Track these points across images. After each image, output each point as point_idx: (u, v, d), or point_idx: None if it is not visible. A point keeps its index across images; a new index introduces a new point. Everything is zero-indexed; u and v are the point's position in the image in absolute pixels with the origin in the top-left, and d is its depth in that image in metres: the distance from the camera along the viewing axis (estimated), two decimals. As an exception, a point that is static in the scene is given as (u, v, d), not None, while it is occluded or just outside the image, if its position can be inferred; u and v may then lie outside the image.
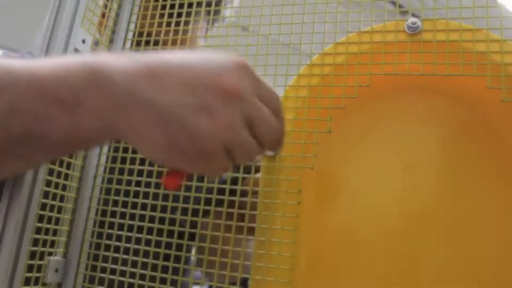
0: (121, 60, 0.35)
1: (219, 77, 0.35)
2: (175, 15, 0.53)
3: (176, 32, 0.52)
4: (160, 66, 0.35)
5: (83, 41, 0.50)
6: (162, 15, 0.52)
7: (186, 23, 0.51)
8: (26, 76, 0.34)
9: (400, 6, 0.48)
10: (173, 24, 0.52)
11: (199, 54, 0.37)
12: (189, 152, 0.34)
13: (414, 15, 0.46)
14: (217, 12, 0.56)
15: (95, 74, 0.34)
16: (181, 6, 0.53)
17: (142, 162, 0.51)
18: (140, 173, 0.52)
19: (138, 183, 0.52)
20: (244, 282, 0.45)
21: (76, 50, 0.49)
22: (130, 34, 0.57)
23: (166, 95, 0.34)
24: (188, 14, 0.52)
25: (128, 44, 0.56)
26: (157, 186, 0.51)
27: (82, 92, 0.34)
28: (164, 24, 0.52)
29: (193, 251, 0.63)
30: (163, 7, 0.53)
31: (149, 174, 0.51)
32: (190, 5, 0.52)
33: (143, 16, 0.54)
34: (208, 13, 0.53)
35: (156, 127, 0.34)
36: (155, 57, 0.36)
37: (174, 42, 0.52)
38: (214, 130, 0.34)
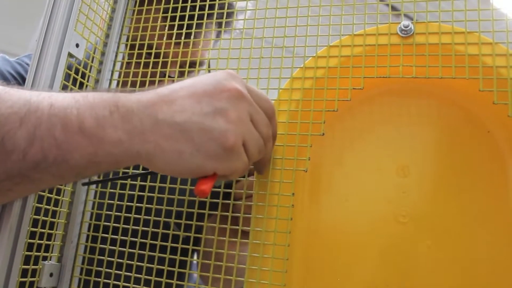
0: (133, 94, 0.39)
1: (218, 84, 0.38)
2: (179, 26, 0.53)
3: (181, 43, 0.52)
4: (167, 92, 0.38)
5: (77, 45, 0.50)
6: (166, 26, 0.53)
7: (195, 33, 0.52)
8: (45, 105, 0.36)
9: (393, 9, 0.48)
10: (175, 35, 0.52)
11: (195, 77, 0.40)
12: (216, 152, 0.37)
13: (406, 16, 0.47)
14: (228, 24, 0.56)
15: (117, 105, 0.37)
16: (191, 17, 0.52)
17: None
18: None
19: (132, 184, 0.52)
20: None
21: (70, 54, 0.49)
22: (124, 38, 0.57)
23: (180, 114, 0.37)
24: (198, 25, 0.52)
25: (122, 48, 0.56)
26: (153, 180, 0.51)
27: (107, 121, 0.36)
28: (171, 36, 0.53)
29: (194, 256, 0.63)
30: (169, 18, 0.53)
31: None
32: (201, 16, 0.52)
33: (149, 28, 0.54)
34: (219, 24, 0.54)
35: (180, 140, 0.37)
36: (160, 88, 0.39)
37: (182, 53, 0.53)
38: (231, 125, 0.37)
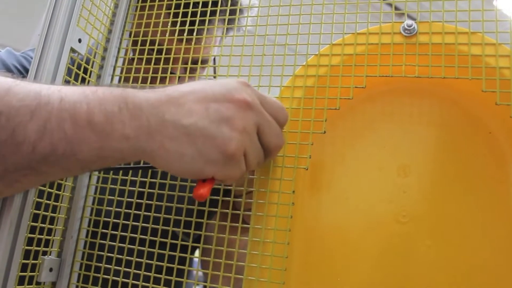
0: (142, 91, 0.39)
1: (228, 93, 0.39)
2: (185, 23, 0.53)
3: (186, 40, 0.52)
4: (177, 94, 0.39)
5: (79, 41, 0.50)
6: (173, 23, 0.53)
7: (199, 31, 0.53)
8: (56, 99, 0.36)
9: (396, 9, 0.48)
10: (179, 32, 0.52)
11: (206, 81, 0.41)
12: (216, 158, 0.38)
13: (410, 17, 0.46)
14: (231, 21, 0.56)
15: (126, 102, 0.38)
16: (194, 14, 0.52)
17: None
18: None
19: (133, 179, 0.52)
20: None
21: (72, 49, 0.49)
22: (127, 34, 0.57)
23: (187, 117, 0.38)
24: (202, 22, 0.52)
25: (124, 44, 0.56)
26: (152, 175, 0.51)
27: (116, 117, 0.37)
28: (175, 33, 0.53)
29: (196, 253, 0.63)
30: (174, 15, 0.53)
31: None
32: (204, 13, 0.52)
33: (152, 24, 0.54)
34: (223, 21, 0.54)
35: (184, 142, 0.38)
36: (169, 88, 0.40)
37: (185, 50, 0.53)
38: (235, 134, 0.38)
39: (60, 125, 0.36)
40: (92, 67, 0.54)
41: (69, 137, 0.36)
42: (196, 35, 0.52)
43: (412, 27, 0.45)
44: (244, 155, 0.39)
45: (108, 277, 0.49)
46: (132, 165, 0.52)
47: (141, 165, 0.50)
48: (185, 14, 0.53)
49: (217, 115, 0.38)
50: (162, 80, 0.53)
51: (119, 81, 0.55)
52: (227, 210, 0.47)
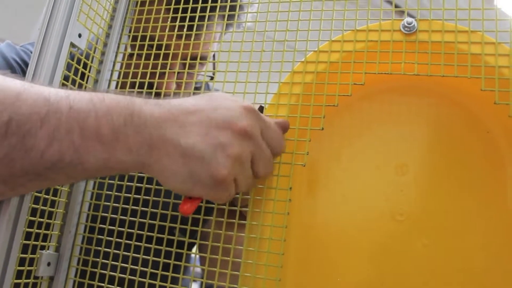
0: (148, 104, 0.40)
1: (230, 120, 0.40)
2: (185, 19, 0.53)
3: (183, 36, 0.52)
4: (180, 113, 0.40)
5: (79, 36, 0.50)
6: (174, 19, 0.53)
7: (199, 27, 0.53)
8: (65, 107, 0.37)
9: (396, 6, 0.48)
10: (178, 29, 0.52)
11: (211, 99, 0.42)
12: (206, 182, 0.39)
13: (409, 15, 0.46)
14: (230, 18, 0.56)
15: (131, 115, 0.39)
16: (193, 10, 0.52)
17: None
18: None
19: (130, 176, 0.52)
20: None
21: (72, 44, 0.49)
22: (127, 29, 0.57)
23: (187, 138, 0.39)
24: (202, 18, 0.52)
25: (124, 39, 0.56)
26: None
27: (121, 130, 0.38)
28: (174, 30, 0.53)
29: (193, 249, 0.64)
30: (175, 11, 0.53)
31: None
32: (203, 9, 0.52)
33: (152, 20, 0.55)
34: (223, 17, 0.54)
35: (179, 162, 0.39)
36: (174, 103, 0.41)
37: (184, 46, 0.53)
38: (228, 161, 0.39)
39: (69, 134, 0.37)
40: (91, 62, 0.54)
41: (77, 147, 0.37)
42: (196, 31, 0.52)
43: (412, 25, 0.45)
44: (234, 181, 0.41)
45: (106, 272, 0.50)
46: None
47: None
48: (184, 10, 0.53)
49: (215, 141, 0.39)
50: (161, 76, 0.53)
51: (119, 76, 0.55)
52: (224, 207, 0.47)
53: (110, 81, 0.55)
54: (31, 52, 0.48)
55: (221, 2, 0.52)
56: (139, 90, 0.52)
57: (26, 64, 0.64)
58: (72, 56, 0.50)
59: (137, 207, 0.51)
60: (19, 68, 0.65)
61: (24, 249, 0.47)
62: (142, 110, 0.39)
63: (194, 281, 0.49)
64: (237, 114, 0.41)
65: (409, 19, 0.46)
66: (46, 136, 0.36)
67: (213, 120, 0.40)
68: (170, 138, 0.39)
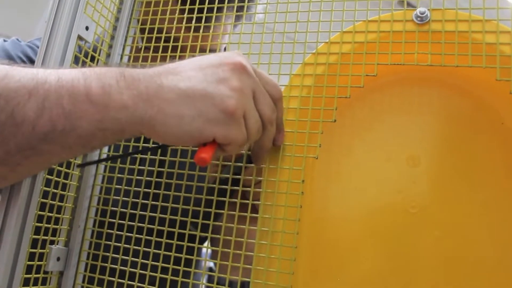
0: (138, 68, 0.40)
1: (224, 58, 0.40)
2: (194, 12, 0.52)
3: (194, 28, 0.52)
4: (173, 65, 0.40)
5: (87, 28, 0.50)
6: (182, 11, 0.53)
7: (208, 19, 0.52)
8: (53, 78, 0.37)
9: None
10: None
11: (199, 56, 0.42)
12: (215, 116, 0.38)
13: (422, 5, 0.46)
14: (240, 9, 0.55)
15: (123, 75, 0.38)
16: (202, 1, 0.52)
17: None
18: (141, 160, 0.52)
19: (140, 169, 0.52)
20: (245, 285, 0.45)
21: (79, 37, 0.49)
22: (134, 22, 0.56)
23: (185, 82, 0.38)
24: (211, 11, 0.51)
25: (132, 32, 0.56)
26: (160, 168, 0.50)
27: (113, 87, 0.37)
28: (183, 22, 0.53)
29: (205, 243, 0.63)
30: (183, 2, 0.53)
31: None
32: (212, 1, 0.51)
33: (161, 12, 0.54)
34: (232, 9, 0.53)
35: (182, 104, 0.38)
36: (164, 65, 0.41)
37: (194, 39, 0.52)
38: (234, 93, 0.38)
39: (58, 101, 0.36)
40: (99, 55, 0.53)
41: (67, 112, 0.36)
42: (205, 23, 0.52)
43: (424, 15, 0.45)
44: (244, 118, 0.39)
45: (116, 266, 0.49)
46: (139, 149, 0.51)
47: (149, 145, 0.50)
48: (193, 2, 0.52)
49: (214, 77, 0.39)
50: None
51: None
52: (236, 200, 0.47)
53: (117, 74, 0.54)
54: (38, 48, 0.47)
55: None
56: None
57: (31, 61, 0.64)
58: (79, 49, 0.50)
59: (147, 201, 0.50)
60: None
61: (34, 244, 0.47)
62: (134, 70, 0.39)
63: (205, 275, 0.48)
64: (229, 54, 0.41)
65: (422, 9, 0.45)
66: (35, 107, 0.36)
67: (206, 62, 0.40)
68: (168, 85, 0.38)
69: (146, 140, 0.53)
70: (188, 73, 0.39)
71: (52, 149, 0.37)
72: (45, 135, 0.36)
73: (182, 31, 0.52)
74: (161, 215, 0.49)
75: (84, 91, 0.36)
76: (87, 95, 0.36)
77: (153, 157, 0.53)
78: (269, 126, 0.42)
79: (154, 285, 0.47)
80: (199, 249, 0.69)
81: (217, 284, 0.45)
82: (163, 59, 0.52)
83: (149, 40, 0.54)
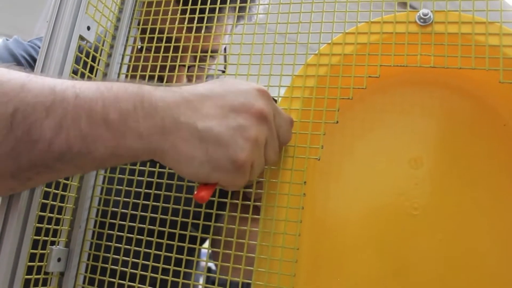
0: (158, 90, 0.39)
1: (247, 102, 0.39)
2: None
3: (193, 28, 0.51)
4: (194, 97, 0.39)
5: (88, 28, 0.50)
6: (184, 12, 0.52)
7: (209, 20, 0.52)
8: (71, 95, 0.36)
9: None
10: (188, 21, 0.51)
11: (224, 83, 0.41)
12: (225, 166, 0.38)
13: (424, 6, 0.45)
14: (242, 10, 0.55)
15: (141, 101, 0.37)
16: (203, 1, 0.51)
17: None
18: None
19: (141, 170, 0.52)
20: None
21: (81, 37, 0.48)
22: (136, 22, 0.56)
23: (203, 121, 0.38)
24: (212, 11, 0.51)
25: (133, 32, 0.55)
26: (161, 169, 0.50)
27: (131, 115, 0.37)
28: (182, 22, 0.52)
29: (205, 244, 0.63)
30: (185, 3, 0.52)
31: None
32: (214, 1, 0.51)
33: (161, 12, 0.54)
34: (233, 9, 0.53)
35: (196, 146, 0.37)
36: (186, 88, 0.40)
37: (195, 39, 0.52)
38: (248, 145, 0.38)
39: (76, 122, 0.36)
40: (100, 55, 0.53)
41: (84, 135, 0.36)
42: (206, 23, 0.51)
43: (427, 16, 0.44)
44: (250, 167, 0.39)
45: (116, 267, 0.49)
46: None
47: None
48: (194, 2, 0.52)
49: (233, 123, 0.38)
50: (171, 70, 0.52)
51: (128, 69, 0.55)
52: (237, 201, 0.46)
53: (119, 74, 0.54)
54: (39, 48, 0.47)
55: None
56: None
57: (34, 60, 0.64)
58: (81, 49, 0.49)
59: (148, 202, 0.50)
60: (27, 64, 0.64)
61: (35, 244, 0.46)
62: (152, 95, 0.38)
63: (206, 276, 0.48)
64: (252, 96, 0.40)
65: (425, 11, 0.45)
66: (53, 126, 0.35)
67: (229, 103, 0.39)
68: (185, 122, 0.38)
69: None
70: (207, 110, 0.38)
71: (65, 168, 0.37)
72: (60, 155, 0.36)
73: (184, 32, 0.52)
74: (162, 216, 0.49)
75: (101, 116, 0.36)
76: (104, 120, 0.36)
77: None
78: (269, 165, 0.44)
79: (155, 287, 0.47)
80: (199, 250, 0.69)
81: (218, 285, 0.44)
82: (165, 59, 0.52)
83: (150, 40, 0.53)
